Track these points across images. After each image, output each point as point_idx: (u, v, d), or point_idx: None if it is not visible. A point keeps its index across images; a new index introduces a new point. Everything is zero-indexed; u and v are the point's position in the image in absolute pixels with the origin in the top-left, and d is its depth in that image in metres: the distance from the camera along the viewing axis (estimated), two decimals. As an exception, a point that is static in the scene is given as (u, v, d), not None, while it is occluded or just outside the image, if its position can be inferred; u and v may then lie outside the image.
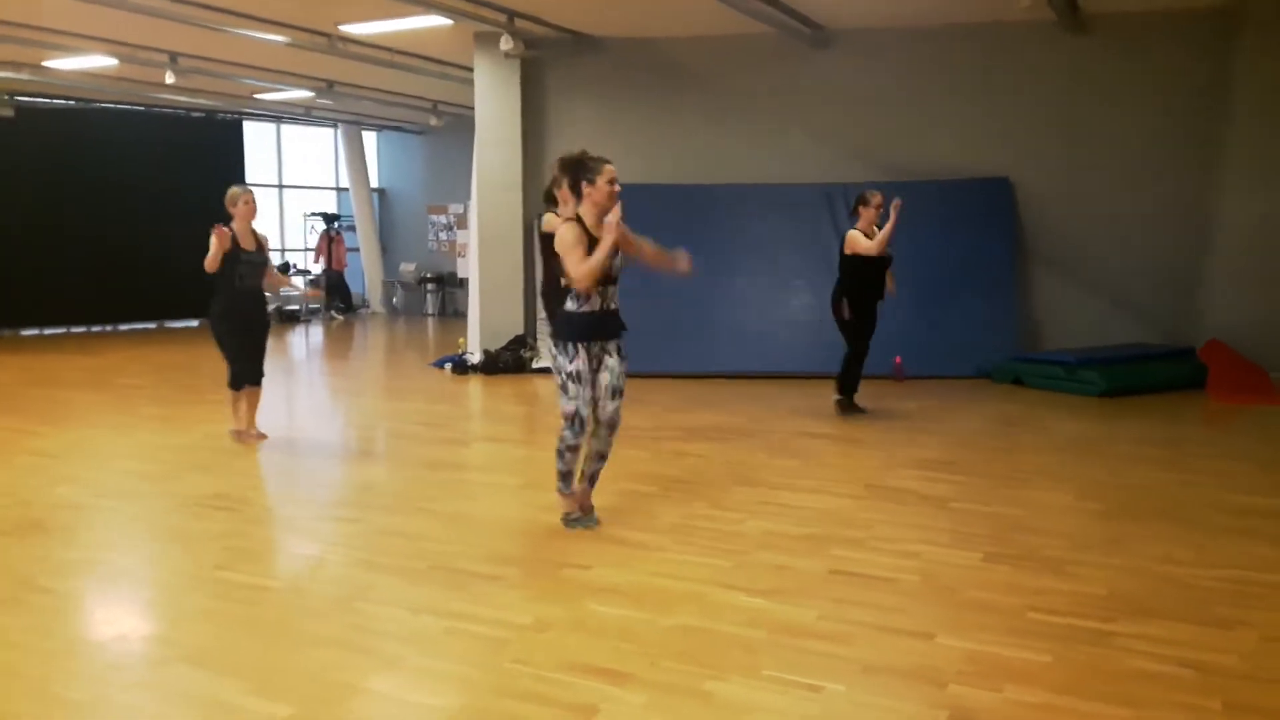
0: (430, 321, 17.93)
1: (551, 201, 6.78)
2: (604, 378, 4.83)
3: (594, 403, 4.83)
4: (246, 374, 6.98)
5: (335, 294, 18.61)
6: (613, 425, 4.91)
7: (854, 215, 7.81)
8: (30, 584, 4.23)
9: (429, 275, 19.03)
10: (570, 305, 4.76)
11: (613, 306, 4.86)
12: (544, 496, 5.43)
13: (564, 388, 4.75)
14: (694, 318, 10.40)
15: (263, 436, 7.14)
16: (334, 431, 8.22)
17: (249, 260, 6.83)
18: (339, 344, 14.90)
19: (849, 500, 5.54)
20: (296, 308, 17.86)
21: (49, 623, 3.83)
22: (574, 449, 4.84)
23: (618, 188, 4.74)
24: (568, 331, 4.77)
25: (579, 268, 4.61)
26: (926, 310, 10.18)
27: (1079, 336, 10.18)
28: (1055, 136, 10.45)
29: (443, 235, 19.46)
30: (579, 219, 4.76)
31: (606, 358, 4.83)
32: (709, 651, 3.49)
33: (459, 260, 17.87)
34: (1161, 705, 3.08)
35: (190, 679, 3.32)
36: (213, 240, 6.55)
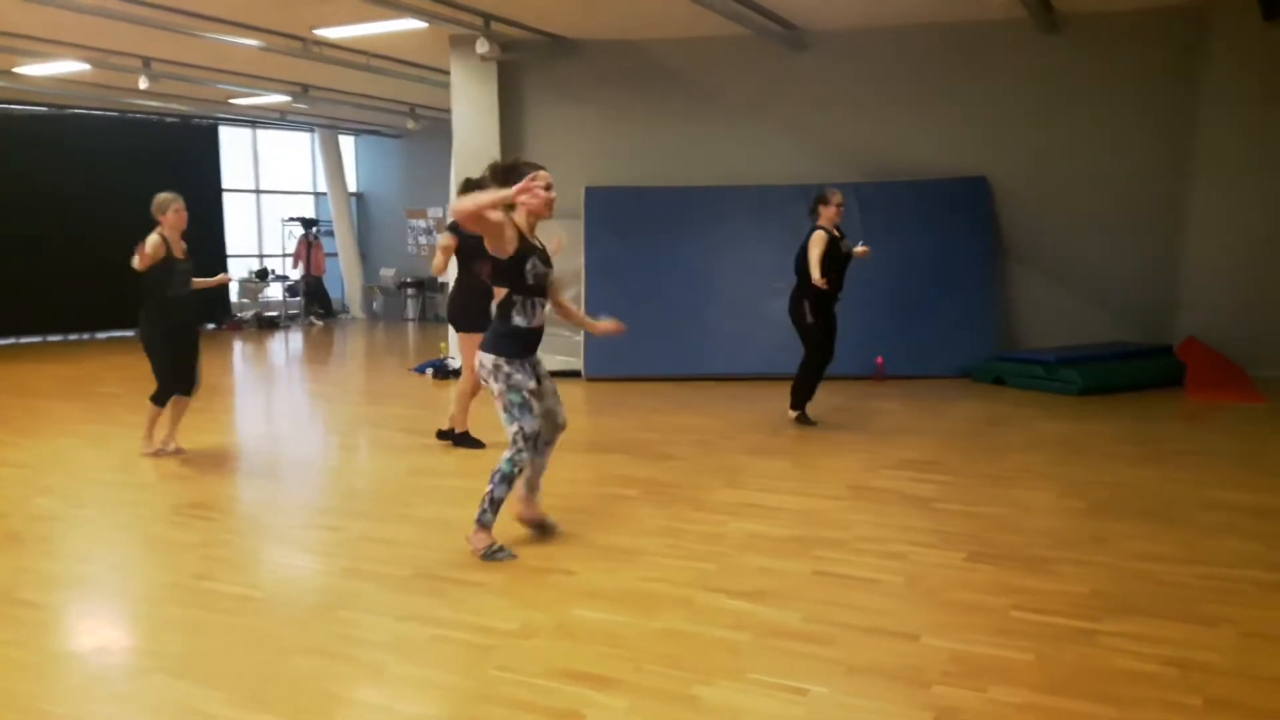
0: (410, 326, 17.86)
1: None
2: (547, 384, 4.79)
3: (550, 413, 4.79)
4: (176, 387, 6.83)
5: (314, 300, 18.53)
6: (565, 425, 4.91)
7: (813, 214, 7.65)
8: (9, 596, 4.18)
9: (409, 280, 18.97)
10: (520, 320, 4.56)
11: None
12: (527, 501, 5.41)
13: (525, 406, 4.54)
14: (674, 320, 10.40)
15: (180, 451, 6.92)
16: (314, 438, 8.18)
17: (183, 269, 6.72)
18: (318, 350, 14.82)
19: (832, 501, 5.55)
20: (275, 314, 17.76)
21: (29, 635, 3.79)
22: (523, 473, 4.69)
23: (554, 194, 4.56)
24: (521, 348, 4.58)
25: (464, 202, 4.29)
26: (907, 310, 10.23)
27: (1058, 335, 10.26)
28: (1031, 135, 10.52)
29: (422, 239, 19.39)
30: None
31: (539, 367, 4.74)
32: (694, 655, 3.49)
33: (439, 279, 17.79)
34: (1144, 703, 3.10)
35: (172, 690, 3.29)
36: (141, 253, 6.45)
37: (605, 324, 5.08)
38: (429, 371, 10.97)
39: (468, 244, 6.49)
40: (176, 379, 6.82)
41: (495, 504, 4.59)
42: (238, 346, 14.59)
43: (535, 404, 4.60)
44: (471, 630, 3.74)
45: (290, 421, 9.11)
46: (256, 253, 19.00)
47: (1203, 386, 9.03)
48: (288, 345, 15.16)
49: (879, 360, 9.94)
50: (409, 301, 19.01)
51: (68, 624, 4.02)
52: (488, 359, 4.55)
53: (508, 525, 5.00)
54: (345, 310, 19.67)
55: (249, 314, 17.57)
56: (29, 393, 10.03)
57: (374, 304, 19.63)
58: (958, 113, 10.65)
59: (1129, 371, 9.29)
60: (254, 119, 17.66)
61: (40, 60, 11.57)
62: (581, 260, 10.55)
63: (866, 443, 7.12)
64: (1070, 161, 10.44)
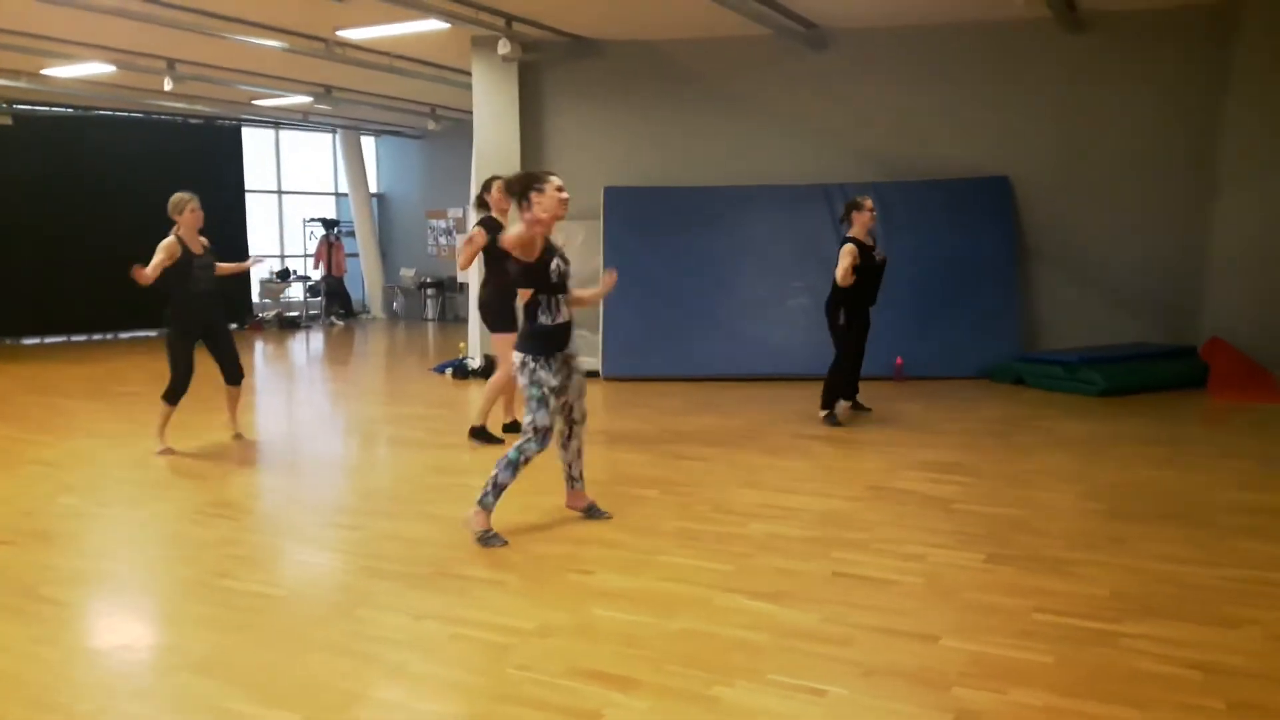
0: (430, 326, 17.93)
1: (484, 206, 7.07)
2: (575, 380, 5.03)
3: (567, 407, 5.02)
4: (184, 388, 6.92)
5: (335, 300, 18.62)
6: (584, 419, 5.17)
7: (845, 222, 7.67)
8: (34, 593, 4.23)
9: (428, 280, 19.04)
10: (545, 319, 4.81)
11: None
12: (546, 500, 5.43)
13: (543, 401, 4.76)
14: (693, 320, 10.41)
15: (240, 437, 7.23)
16: (334, 437, 8.22)
17: (202, 264, 6.81)
18: (339, 349, 14.89)
19: (851, 502, 5.54)
20: (297, 314, 17.86)
21: (53, 632, 3.83)
22: (529, 463, 4.84)
23: (566, 195, 4.75)
24: (548, 346, 4.82)
25: (513, 236, 4.67)
26: (927, 310, 10.18)
27: (1080, 336, 10.18)
28: (1054, 135, 10.45)
29: (442, 240, 19.46)
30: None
31: (573, 360, 5.01)
32: (713, 656, 3.49)
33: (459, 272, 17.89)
34: (1166, 706, 3.08)
35: (194, 687, 3.32)
36: (139, 273, 6.52)
37: (605, 281, 5.44)
38: (448, 371, 11.00)
39: (496, 245, 6.54)
40: (186, 380, 6.91)
41: (497, 488, 4.81)
42: (259, 346, 14.68)
43: (553, 401, 4.81)
44: (491, 629, 3.75)
45: (311, 420, 9.16)
46: (278, 253, 19.11)
47: (1226, 387, 8.95)
48: (308, 345, 15.24)
49: (899, 361, 9.90)
50: (429, 301, 19.08)
51: (91, 621, 4.07)
52: (518, 357, 4.85)
53: (507, 517, 5.03)
54: (366, 310, 19.76)
55: (270, 314, 17.67)
56: (53, 392, 10.13)
57: (394, 304, 19.70)
58: (980, 112, 10.60)
59: (1151, 372, 9.21)
60: (276, 120, 17.76)
61: (66, 62, 11.68)
62: (600, 260, 10.56)
63: (886, 443, 7.09)
64: (1093, 161, 10.37)
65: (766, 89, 11.11)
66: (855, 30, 10.68)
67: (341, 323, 18.34)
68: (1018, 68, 10.47)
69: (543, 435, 4.79)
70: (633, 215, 10.77)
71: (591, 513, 5.24)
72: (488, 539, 4.77)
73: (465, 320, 13.92)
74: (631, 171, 11.19)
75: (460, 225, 18.41)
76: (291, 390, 11.20)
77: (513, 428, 7.28)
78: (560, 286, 4.83)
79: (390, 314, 19.63)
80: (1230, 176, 9.89)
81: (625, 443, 7.29)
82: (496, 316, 7.04)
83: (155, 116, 16.20)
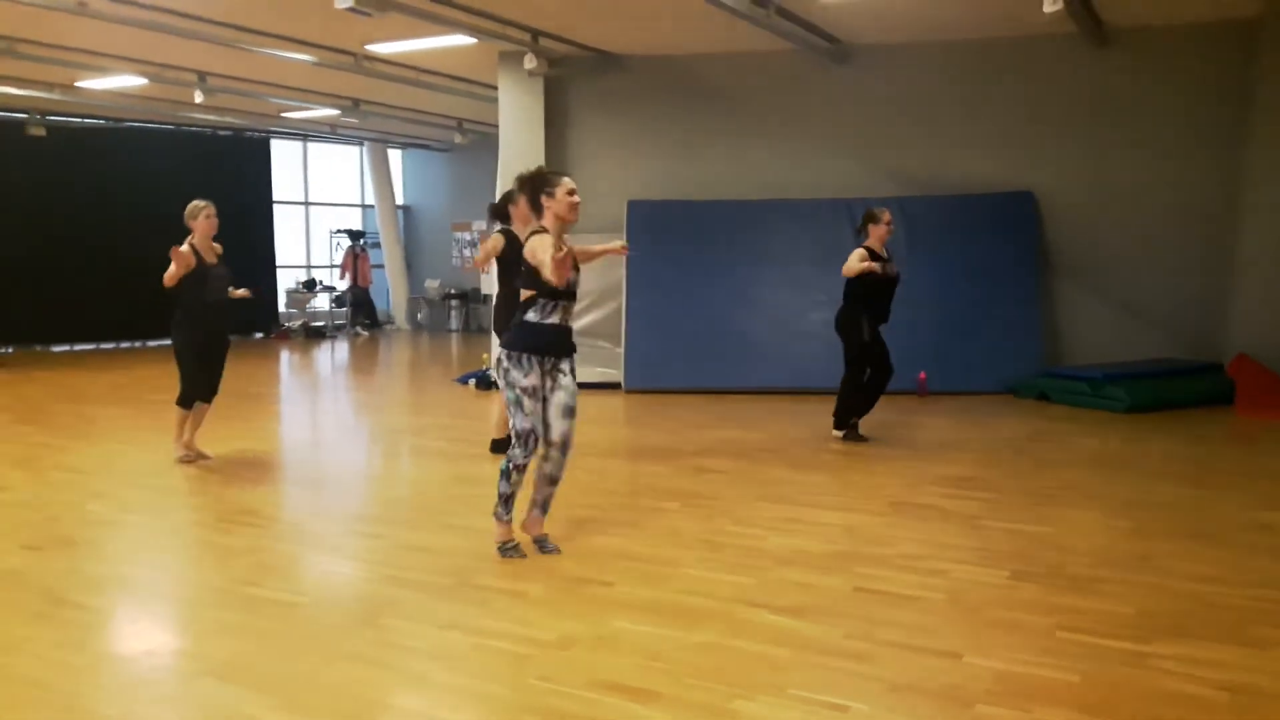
0: (454, 337, 18.01)
1: (503, 218, 6.87)
2: (559, 396, 4.71)
3: (545, 426, 4.72)
4: (200, 392, 6.89)
5: (360, 310, 18.74)
6: (565, 446, 4.77)
7: (861, 233, 7.56)
8: (60, 599, 4.27)
9: (453, 291, 19.13)
10: (532, 315, 4.63)
11: (571, 323, 4.76)
12: (568, 512, 5.43)
13: (519, 404, 4.60)
14: (716, 333, 10.41)
15: (206, 457, 6.97)
16: (359, 447, 8.26)
17: (217, 275, 6.78)
18: (364, 360, 14.98)
19: (874, 517, 5.52)
20: (322, 324, 17.98)
21: (78, 637, 3.87)
22: (521, 469, 4.69)
23: (577, 199, 4.65)
24: (525, 342, 4.62)
25: (551, 259, 4.42)
26: (950, 325, 10.14)
27: (1105, 351, 10.11)
28: (1079, 150, 10.40)
29: (467, 251, 19.56)
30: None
31: (561, 376, 4.72)
32: (734, 670, 3.48)
33: (483, 276, 17.92)
34: (1193, 726, 3.05)
35: (218, 694, 3.34)
36: (172, 263, 6.52)
37: (613, 245, 5.32)
38: (472, 382, 11.05)
39: (509, 254, 6.53)
40: (199, 385, 6.88)
41: (502, 499, 4.75)
42: (285, 356, 14.80)
43: (528, 402, 4.61)
44: (512, 640, 3.76)
45: (335, 430, 9.22)
46: (304, 264, 19.27)
47: (1254, 405, 8.86)
48: (334, 355, 15.34)
49: (922, 376, 9.86)
50: (453, 313, 19.16)
51: (116, 627, 4.10)
52: (500, 354, 4.71)
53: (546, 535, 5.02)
54: (390, 321, 19.88)
55: (296, 324, 17.81)
56: (82, 399, 10.24)
57: (419, 315, 19.81)
58: (1004, 127, 10.56)
59: (1177, 389, 9.13)
60: (305, 132, 17.93)
61: (100, 75, 11.85)
62: (623, 272, 10.59)
63: (909, 458, 7.06)
64: (1118, 176, 10.31)
65: (789, 104, 11.12)
66: (878, 46, 10.68)
67: (366, 333, 18.45)
68: (1042, 83, 10.43)
69: (525, 439, 4.62)
70: (655, 228, 10.80)
71: (543, 545, 4.87)
72: (506, 550, 4.77)
73: (489, 331, 13.97)
74: (654, 185, 11.23)
75: (484, 236, 18.48)
76: (316, 400, 11.27)
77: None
78: (565, 294, 4.64)
79: (415, 325, 19.73)
80: (1256, 191, 9.80)
81: (647, 455, 7.30)
82: (507, 325, 6.87)
83: (185, 128, 16.39)
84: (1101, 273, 10.44)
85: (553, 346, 4.67)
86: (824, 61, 10.79)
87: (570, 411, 4.74)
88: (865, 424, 7.78)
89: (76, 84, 12.44)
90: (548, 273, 4.44)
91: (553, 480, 4.88)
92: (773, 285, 10.62)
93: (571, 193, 4.63)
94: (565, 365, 4.74)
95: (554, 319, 4.64)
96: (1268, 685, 3.33)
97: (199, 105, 12.81)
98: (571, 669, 3.49)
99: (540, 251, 4.51)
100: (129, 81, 12.05)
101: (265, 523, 5.55)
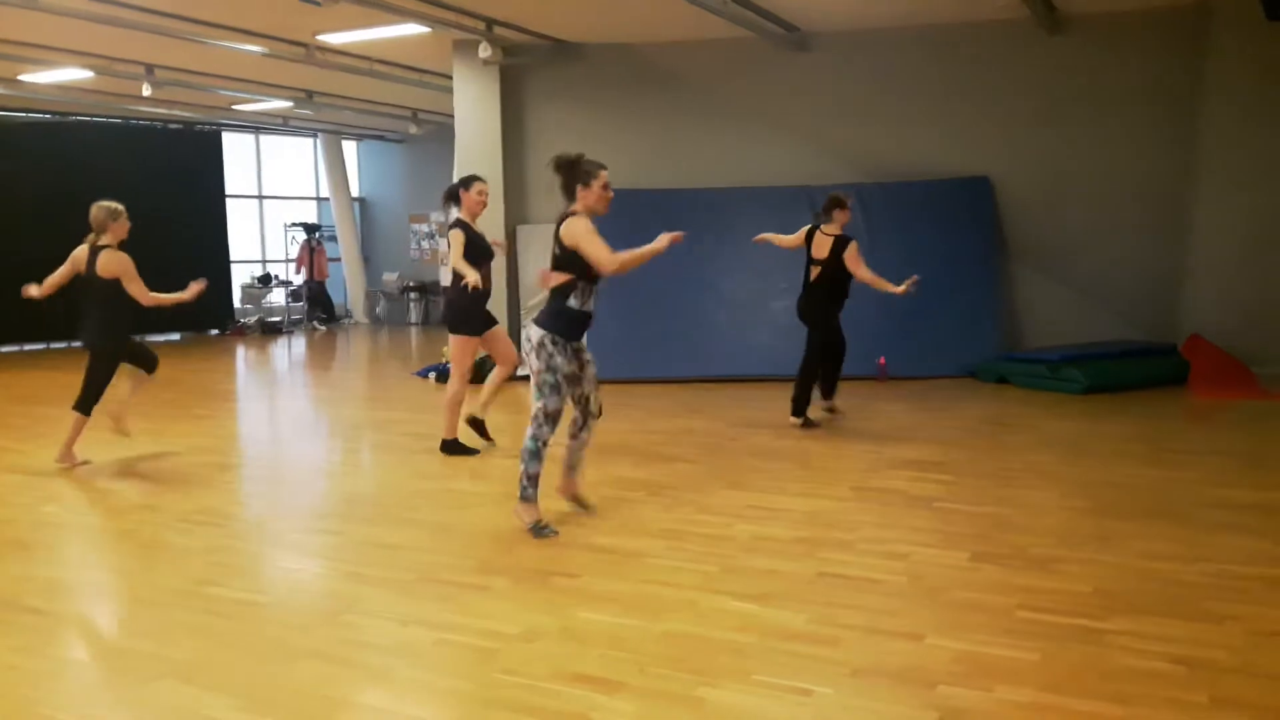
0: (414, 331, 17.89)
1: (455, 201, 6.86)
2: (590, 370, 5.05)
3: (584, 399, 5.05)
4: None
5: (317, 305, 18.55)
6: (601, 413, 5.18)
7: (825, 216, 7.59)
8: (15, 604, 4.19)
9: (411, 284, 18.99)
10: (574, 302, 4.84)
11: None
12: (531, 504, 5.41)
13: (556, 387, 4.81)
14: (677, 322, 10.42)
15: (88, 462, 6.86)
16: (317, 443, 8.18)
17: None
18: (322, 355, 14.84)
19: (836, 502, 5.55)
20: (279, 319, 17.79)
21: (35, 642, 3.80)
22: (546, 446, 4.89)
23: (611, 193, 4.83)
24: (572, 329, 4.87)
25: (612, 256, 4.73)
26: (909, 310, 10.18)
27: (1062, 334, 10.24)
28: (1034, 135, 10.51)
29: (425, 244, 19.42)
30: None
31: (584, 354, 5.02)
32: (699, 657, 3.49)
33: (441, 269, 17.84)
34: (1150, 702, 3.10)
35: (178, 695, 3.29)
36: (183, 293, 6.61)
37: (667, 237, 5.12)
38: (432, 376, 10.97)
39: (472, 247, 6.56)
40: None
41: (531, 479, 4.90)
42: (241, 352, 14.62)
43: (565, 388, 4.87)
44: (476, 634, 3.74)
45: (293, 426, 9.12)
46: (259, 258, 19.03)
47: (1208, 384, 9.01)
48: (290, 350, 15.18)
49: (882, 361, 9.93)
50: (412, 306, 19.03)
51: (74, 630, 4.03)
52: (535, 334, 4.84)
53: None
54: (348, 315, 19.69)
55: (252, 319, 17.60)
56: (34, 400, 10.05)
57: (377, 308, 19.65)
58: (960, 113, 10.65)
59: (1133, 370, 9.27)
60: (257, 125, 17.70)
61: (44, 68, 11.61)
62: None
63: (870, 443, 7.11)
64: (1073, 161, 10.44)
65: (749, 91, 11.14)
66: (836, 33, 10.72)
67: (324, 328, 18.27)
68: (998, 69, 10.53)
69: (555, 418, 4.87)
70: (616, 217, 10.71)
71: (579, 503, 5.28)
72: (540, 531, 4.88)
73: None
74: (614, 174, 10.97)
75: (442, 230, 18.36)
76: (274, 396, 11.15)
77: (474, 423, 7.09)
78: (597, 278, 4.89)
79: (373, 319, 19.57)
80: (1210, 174, 9.98)
81: (611, 445, 7.28)
82: (462, 319, 6.80)
83: (135, 122, 16.11)
84: (1058, 256, 10.56)
85: (585, 329, 4.98)
86: (783, 49, 10.81)
87: (597, 382, 5.15)
88: (816, 410, 7.81)
89: (20, 77, 12.18)
90: (606, 265, 4.72)
91: (584, 445, 5.20)
92: (734, 274, 10.63)
93: (606, 186, 4.88)
94: (583, 342, 5.07)
95: (590, 306, 4.92)
96: (1222, 659, 3.39)
97: (147, 98, 12.58)
98: (536, 661, 3.48)
99: (586, 237, 4.74)
100: (74, 75, 11.82)
101: (224, 521, 5.48)
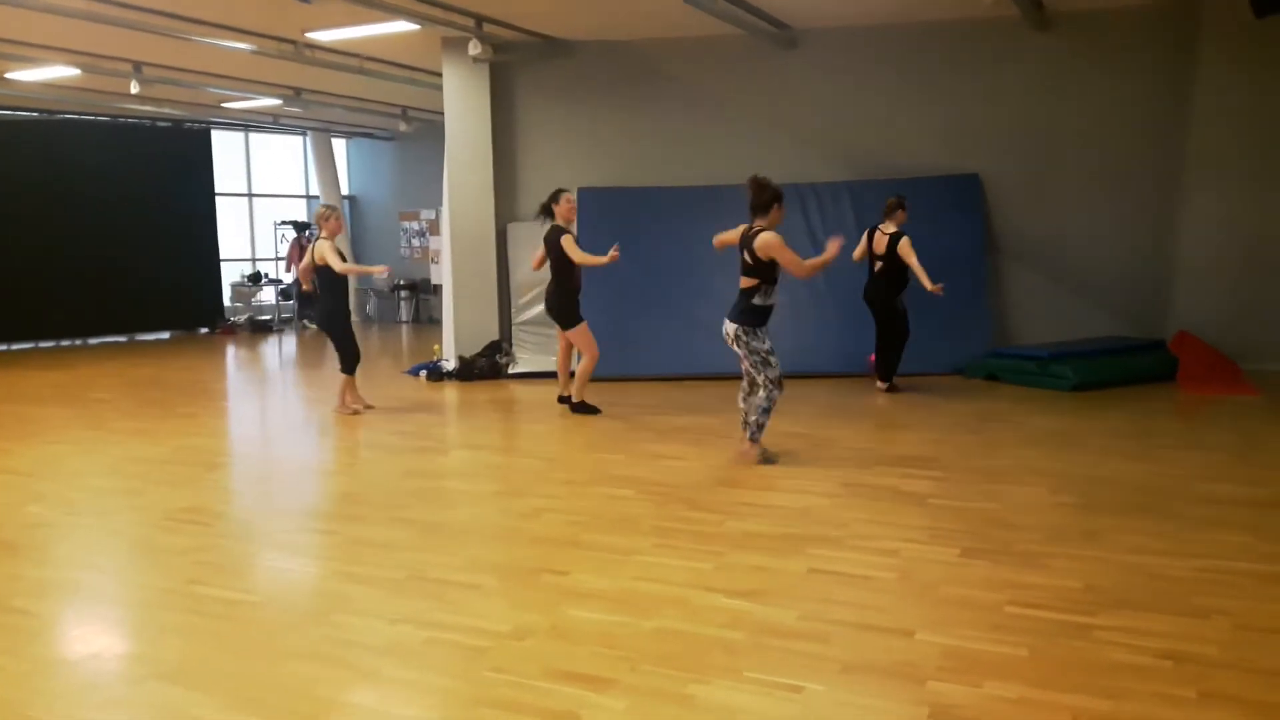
0: (405, 328, 17.85)
1: (549, 214, 8.35)
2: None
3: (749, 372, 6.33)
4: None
5: (307, 303, 18.48)
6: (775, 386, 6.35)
7: (888, 216, 8.93)
8: (2, 604, 4.17)
9: (402, 282, 18.95)
10: (758, 300, 6.16)
11: None
12: (522, 503, 5.41)
13: (767, 361, 6.17)
14: (668, 320, 10.40)
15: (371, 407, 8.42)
16: (307, 442, 8.16)
17: None
18: (312, 353, 14.78)
19: (826, 499, 5.56)
20: (268, 318, 17.73)
21: (22, 643, 3.78)
22: (774, 404, 6.26)
23: (784, 212, 6.30)
24: (761, 320, 6.20)
25: (804, 263, 6.11)
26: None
27: (1051, 331, 10.26)
28: (1023, 132, 10.52)
29: (415, 241, 19.37)
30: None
31: (770, 338, 6.26)
32: (690, 654, 3.49)
33: (432, 266, 17.81)
34: (1138, 696, 3.11)
35: (166, 696, 3.28)
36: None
37: (831, 248, 6.16)
38: (423, 374, 10.95)
39: (555, 251, 8.14)
40: None
41: (762, 427, 6.37)
42: (231, 350, 14.56)
43: (773, 358, 6.19)
44: (465, 632, 3.74)
45: (284, 425, 9.10)
46: (249, 256, 18.96)
47: (1195, 380, 9.05)
48: (281, 349, 15.13)
49: (871, 358, 9.92)
50: (403, 304, 18.98)
51: (60, 631, 4.01)
52: (730, 328, 6.24)
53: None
54: (339, 313, 19.58)
55: (242, 318, 17.54)
56: (21, 399, 10.00)
57: (367, 307, 19.60)
58: (949, 110, 10.66)
59: (1122, 366, 9.29)
60: (246, 122, 17.63)
61: (30, 66, 11.53)
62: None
63: (860, 440, 7.12)
64: (1061, 158, 10.45)
65: (738, 89, 11.12)
66: (826, 30, 10.71)
67: (314, 326, 18.20)
68: (986, 66, 10.53)
69: (780, 381, 6.21)
70: (606, 215, 10.76)
71: (765, 457, 6.37)
72: (767, 459, 6.34)
73: (439, 322, 13.87)
74: (604, 172, 11.18)
75: (434, 227, 18.33)
76: (264, 394, 11.11)
77: (566, 400, 8.54)
78: (776, 280, 6.14)
79: (364, 316, 19.52)
80: (1197, 171, 10.00)
81: (601, 443, 7.29)
82: (563, 314, 8.29)
83: (123, 120, 16.03)
84: (1047, 253, 10.58)
85: (769, 319, 6.25)
86: (773, 46, 10.80)
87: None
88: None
89: (6, 75, 12.10)
90: (799, 269, 6.08)
91: (754, 406, 6.40)
92: (724, 271, 10.55)
93: (781, 208, 6.18)
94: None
95: (772, 300, 6.21)
96: (1210, 653, 3.41)
97: (136, 96, 12.51)
98: (527, 659, 3.48)
99: (781, 249, 6.01)
100: (61, 72, 11.75)
101: (212, 520, 5.46)
